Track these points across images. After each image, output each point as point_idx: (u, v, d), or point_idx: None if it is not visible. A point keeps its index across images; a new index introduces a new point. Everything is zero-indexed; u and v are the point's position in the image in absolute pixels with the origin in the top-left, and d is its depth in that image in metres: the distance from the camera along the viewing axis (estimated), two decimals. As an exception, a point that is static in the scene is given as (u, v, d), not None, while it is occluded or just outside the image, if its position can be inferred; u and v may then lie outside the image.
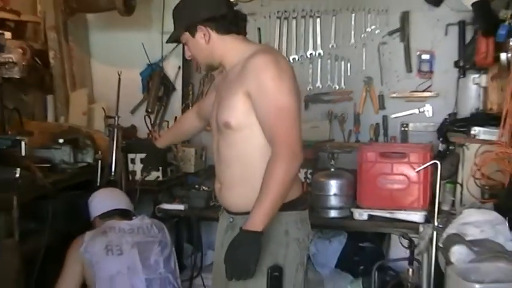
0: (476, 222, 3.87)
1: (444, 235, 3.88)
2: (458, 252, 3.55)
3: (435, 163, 4.17)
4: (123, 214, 4.42)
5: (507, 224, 3.83)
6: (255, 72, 3.13)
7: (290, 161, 3.05)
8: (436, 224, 4.05)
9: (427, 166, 4.39)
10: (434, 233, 4.05)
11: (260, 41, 5.63)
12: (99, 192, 4.60)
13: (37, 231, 4.30)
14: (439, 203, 4.17)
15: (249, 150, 3.24)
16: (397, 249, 5.01)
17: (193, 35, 3.31)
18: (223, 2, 3.37)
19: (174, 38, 3.42)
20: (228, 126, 3.22)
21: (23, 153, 4.16)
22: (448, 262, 3.60)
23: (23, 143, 4.13)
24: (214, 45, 3.32)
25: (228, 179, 3.34)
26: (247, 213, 3.14)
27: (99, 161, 4.91)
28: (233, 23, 3.35)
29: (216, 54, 3.33)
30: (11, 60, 4.81)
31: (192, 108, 3.94)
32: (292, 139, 3.07)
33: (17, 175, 4.10)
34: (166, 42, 3.57)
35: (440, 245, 3.91)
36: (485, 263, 3.47)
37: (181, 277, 4.44)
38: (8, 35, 4.96)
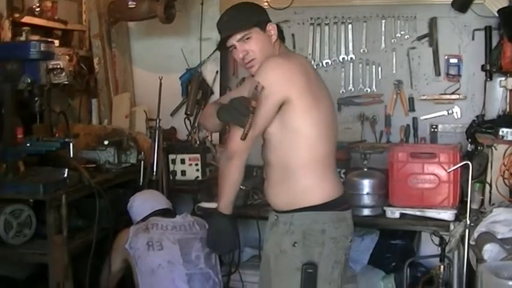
0: (505, 220, 3.82)
1: (475, 233, 3.82)
2: (490, 250, 3.49)
3: (467, 163, 4.09)
4: (165, 213, 4.41)
5: (535, 223, 3.77)
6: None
7: (227, 156, 3.28)
8: (468, 222, 3.98)
9: (459, 166, 4.31)
10: (467, 230, 3.97)
11: (294, 47, 5.60)
12: (137, 197, 4.60)
13: (84, 228, 4.34)
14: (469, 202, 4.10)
15: (285, 153, 3.26)
16: (427, 247, 5.00)
17: (263, 29, 3.34)
18: None
19: (240, 32, 3.31)
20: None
21: (71, 155, 4.15)
22: (480, 260, 3.54)
23: (70, 145, 4.14)
24: (275, 47, 3.37)
25: (271, 179, 3.37)
26: (287, 211, 3.19)
27: (142, 162, 4.90)
28: (282, 33, 3.48)
29: (274, 55, 3.34)
30: (58, 66, 4.82)
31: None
32: (233, 136, 3.20)
33: (65, 175, 4.13)
34: (226, 44, 3.39)
35: (472, 243, 3.85)
36: (516, 261, 3.41)
37: (221, 272, 4.41)
38: (55, 43, 4.97)
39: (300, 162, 3.25)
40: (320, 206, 3.25)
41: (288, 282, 3.26)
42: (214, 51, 5.65)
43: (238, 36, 3.31)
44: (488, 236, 3.64)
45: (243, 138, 3.07)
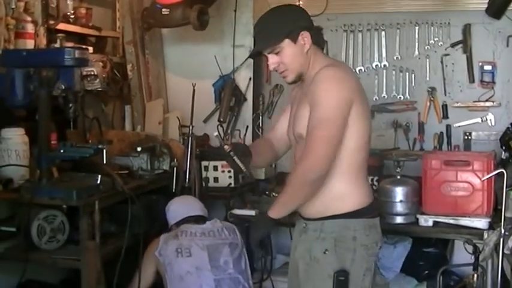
0: (541, 229, 3.77)
1: (509, 242, 3.78)
2: (525, 260, 3.46)
3: (501, 171, 4.05)
4: (198, 220, 4.42)
5: None
6: (315, 84, 3.17)
7: (308, 168, 3.12)
8: (502, 230, 3.93)
9: (493, 175, 4.27)
10: (501, 239, 3.93)
11: (327, 53, 5.57)
12: (174, 201, 4.64)
13: (116, 234, 4.35)
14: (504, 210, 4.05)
15: None
16: (460, 255, 4.95)
17: (295, 40, 3.25)
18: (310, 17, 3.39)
19: (271, 46, 3.26)
20: (301, 137, 3.24)
21: (104, 161, 4.17)
22: (516, 268, 3.51)
23: (104, 152, 4.15)
24: (309, 55, 3.30)
25: None
26: (319, 219, 3.19)
27: (175, 168, 4.91)
28: (322, 37, 3.39)
29: (307, 64, 3.31)
30: (92, 73, 4.86)
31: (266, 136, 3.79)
32: (320, 149, 3.09)
33: (98, 181, 4.14)
34: (259, 52, 3.37)
35: (506, 252, 3.81)
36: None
37: (252, 279, 4.41)
38: (89, 49, 5.01)
39: (337, 170, 3.21)
40: (351, 213, 3.23)
41: None
42: (247, 58, 5.64)
43: (268, 49, 3.29)
44: (523, 245, 3.60)
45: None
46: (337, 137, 3.12)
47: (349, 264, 3.23)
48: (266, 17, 3.36)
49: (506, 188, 4.06)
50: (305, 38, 3.26)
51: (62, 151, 4.12)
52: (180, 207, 4.57)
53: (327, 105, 3.11)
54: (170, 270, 4.17)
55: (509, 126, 5.04)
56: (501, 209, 4.02)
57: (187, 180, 4.90)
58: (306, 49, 3.28)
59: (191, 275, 4.13)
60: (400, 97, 5.55)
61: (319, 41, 3.36)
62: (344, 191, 3.26)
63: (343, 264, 3.22)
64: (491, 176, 4.30)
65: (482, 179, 4.36)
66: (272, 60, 3.30)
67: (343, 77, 3.20)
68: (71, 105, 4.09)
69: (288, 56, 3.27)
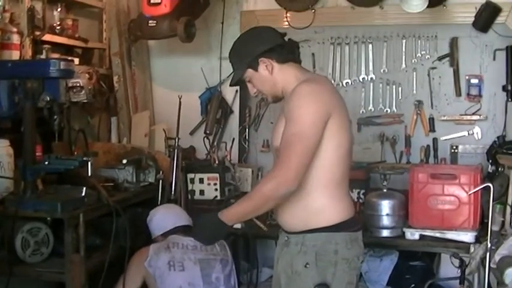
0: (527, 243, 3.78)
1: (496, 256, 3.78)
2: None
3: (488, 186, 4.06)
4: (185, 230, 4.40)
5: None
6: (289, 100, 3.19)
7: (281, 182, 3.06)
8: (488, 244, 3.93)
9: (480, 189, 4.28)
10: (487, 253, 3.93)
11: (314, 66, 5.60)
12: (158, 210, 4.61)
13: (102, 247, 4.31)
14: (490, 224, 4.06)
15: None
16: (447, 269, 4.96)
17: (256, 69, 3.31)
18: (276, 34, 3.39)
19: (237, 78, 3.38)
20: (278, 150, 3.20)
21: (89, 173, 4.14)
22: (501, 283, 3.50)
23: (89, 164, 4.12)
24: (277, 75, 3.32)
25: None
26: (300, 232, 3.22)
27: (160, 181, 4.89)
28: (290, 51, 3.37)
29: (279, 83, 3.33)
30: (78, 84, 4.84)
31: None
32: (293, 164, 3.05)
33: (83, 194, 4.12)
34: (230, 85, 3.54)
35: (493, 266, 3.81)
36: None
37: (239, 293, 4.40)
38: (75, 61, 4.99)
39: (317, 184, 3.21)
40: (332, 227, 3.22)
41: None
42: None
43: (237, 80, 3.42)
44: (510, 260, 3.60)
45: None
46: (310, 153, 3.10)
47: (330, 278, 3.21)
48: (232, 48, 3.44)
49: (492, 201, 4.07)
50: (265, 63, 3.31)
51: (46, 163, 4.08)
52: (166, 217, 4.54)
53: (300, 121, 3.11)
54: (161, 283, 4.15)
55: (496, 139, 5.09)
56: (487, 223, 4.04)
57: (173, 192, 4.90)
58: (270, 72, 3.31)
59: None
60: (387, 110, 5.55)
61: (290, 58, 3.37)
62: (324, 205, 3.24)
63: (324, 278, 3.20)
64: (477, 190, 4.31)
65: (469, 192, 4.36)
66: (249, 86, 3.42)
67: (318, 91, 3.20)
68: (55, 117, 4.06)
69: (256, 82, 3.36)
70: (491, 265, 3.87)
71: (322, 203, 3.24)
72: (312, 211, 3.23)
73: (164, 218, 4.54)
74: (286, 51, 3.35)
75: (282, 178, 3.06)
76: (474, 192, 4.34)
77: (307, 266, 3.20)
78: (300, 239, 3.24)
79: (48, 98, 3.98)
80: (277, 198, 3.10)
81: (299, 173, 3.06)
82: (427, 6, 4.98)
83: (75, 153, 4.79)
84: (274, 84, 3.33)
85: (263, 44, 3.33)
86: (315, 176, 3.18)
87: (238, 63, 3.36)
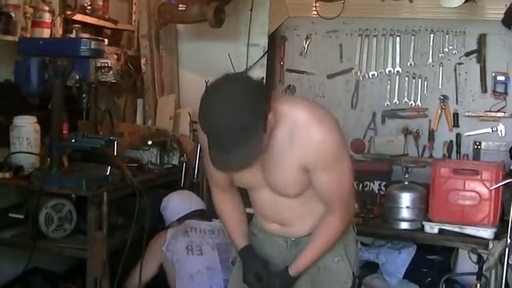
0: (546, 241, 3.80)
1: (515, 252, 3.81)
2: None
3: (510, 182, 4.08)
4: (202, 215, 4.44)
5: None
6: (315, 148, 2.77)
7: (345, 215, 3.01)
8: (508, 241, 3.96)
9: (502, 185, 4.30)
10: (506, 249, 3.96)
11: (341, 57, 5.65)
12: (172, 196, 4.65)
13: (123, 226, 4.37)
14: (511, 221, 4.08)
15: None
16: (464, 264, 4.92)
17: (265, 129, 2.64)
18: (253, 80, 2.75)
19: (259, 152, 2.67)
20: (290, 195, 2.98)
21: (115, 153, 4.20)
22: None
23: (115, 143, 4.17)
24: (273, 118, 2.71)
25: (288, 220, 3.10)
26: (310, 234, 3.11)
27: (184, 164, 4.95)
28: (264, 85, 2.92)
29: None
30: (106, 65, 4.87)
31: (218, 193, 3.24)
32: (347, 195, 2.97)
33: (108, 173, 4.17)
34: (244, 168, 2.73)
35: (511, 262, 3.83)
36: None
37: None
38: (105, 41, 5.03)
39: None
40: None
41: None
42: (262, 57, 5.72)
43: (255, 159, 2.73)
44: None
45: None
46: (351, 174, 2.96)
47: (354, 266, 3.21)
48: (230, 129, 2.55)
49: (512, 198, 4.10)
50: (269, 118, 2.65)
51: (73, 141, 4.14)
52: (181, 202, 4.59)
53: (335, 156, 2.83)
54: (180, 267, 4.19)
55: (520, 137, 5.08)
56: (508, 220, 4.05)
57: (195, 175, 4.95)
58: (274, 121, 2.69)
59: (202, 275, 4.16)
60: (411, 104, 5.58)
61: (270, 94, 2.72)
62: None
63: (353, 268, 3.19)
64: (499, 186, 4.33)
65: (491, 188, 4.38)
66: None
67: (331, 120, 2.88)
68: (84, 95, 4.12)
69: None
70: (510, 261, 3.90)
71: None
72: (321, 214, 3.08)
73: (179, 203, 4.59)
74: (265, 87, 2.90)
75: (344, 211, 2.98)
76: (496, 188, 4.36)
77: (337, 259, 3.16)
78: None
79: (78, 77, 4.03)
80: (346, 226, 3.09)
81: (353, 195, 3.04)
82: (459, 2, 4.97)
83: (101, 133, 4.83)
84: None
85: (262, 102, 2.62)
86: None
87: (252, 139, 2.60)
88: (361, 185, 5.14)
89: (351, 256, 3.20)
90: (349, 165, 2.92)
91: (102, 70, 4.90)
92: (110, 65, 4.93)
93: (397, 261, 5.01)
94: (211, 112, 2.56)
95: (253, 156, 2.63)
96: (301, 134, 2.75)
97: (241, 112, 2.53)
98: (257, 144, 2.61)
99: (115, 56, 5.18)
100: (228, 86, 2.63)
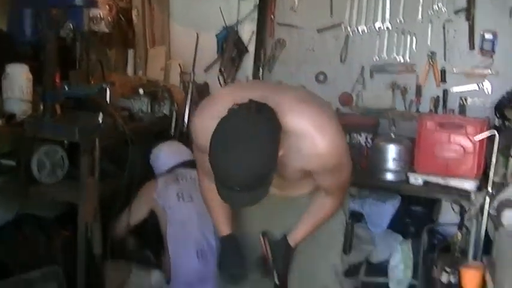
0: (527, 192, 3.90)
1: (496, 202, 3.91)
2: (509, 216, 3.58)
3: (493, 134, 4.17)
4: (190, 164, 4.50)
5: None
6: (320, 160, 2.79)
7: (343, 196, 3.17)
8: (490, 190, 4.06)
9: (486, 136, 4.39)
10: (487, 199, 4.06)
11: (332, 12, 5.71)
12: (162, 147, 4.69)
13: (114, 174, 4.41)
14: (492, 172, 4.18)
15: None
16: (446, 216, 5.08)
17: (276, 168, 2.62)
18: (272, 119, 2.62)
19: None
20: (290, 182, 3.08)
21: (108, 100, 4.24)
22: (499, 225, 3.63)
23: (107, 91, 4.21)
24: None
25: (287, 187, 3.16)
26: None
27: (174, 113, 5.01)
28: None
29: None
30: (99, 15, 4.88)
31: (206, 181, 3.18)
32: (346, 184, 3.09)
33: (100, 121, 4.20)
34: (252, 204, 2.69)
35: (492, 212, 3.94)
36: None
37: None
38: (97, -9, 5.06)
39: None
40: None
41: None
42: (253, 10, 5.76)
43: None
44: (508, 203, 3.72)
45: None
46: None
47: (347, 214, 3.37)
48: (243, 181, 2.51)
49: (496, 152, 4.19)
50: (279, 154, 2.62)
51: (66, 88, 4.17)
52: (170, 153, 4.65)
53: (339, 164, 2.88)
54: (171, 213, 4.27)
55: (505, 94, 5.15)
56: (490, 173, 4.15)
57: (185, 125, 5.01)
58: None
59: (192, 221, 4.24)
60: (400, 59, 5.61)
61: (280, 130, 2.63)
62: None
63: (346, 216, 3.35)
64: (483, 138, 4.43)
65: (475, 138, 4.49)
66: None
67: (331, 118, 2.87)
68: (77, 43, 4.14)
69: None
70: (490, 211, 4.00)
71: None
72: None
73: (169, 154, 4.65)
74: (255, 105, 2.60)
75: (341, 195, 3.12)
76: (479, 140, 4.47)
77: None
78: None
79: (72, 26, 4.05)
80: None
81: (350, 178, 3.09)
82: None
83: (92, 82, 4.87)
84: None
85: (275, 132, 2.58)
86: None
87: (264, 184, 2.59)
88: (348, 137, 5.16)
89: (345, 204, 3.32)
90: (350, 163, 2.99)
91: (94, 21, 4.91)
92: (101, 16, 4.95)
93: (382, 212, 5.11)
94: (223, 161, 2.49)
95: (263, 195, 2.61)
96: (305, 147, 2.73)
97: (256, 166, 2.48)
98: (267, 185, 2.59)
99: (107, 6, 5.18)
100: (240, 134, 2.49)
